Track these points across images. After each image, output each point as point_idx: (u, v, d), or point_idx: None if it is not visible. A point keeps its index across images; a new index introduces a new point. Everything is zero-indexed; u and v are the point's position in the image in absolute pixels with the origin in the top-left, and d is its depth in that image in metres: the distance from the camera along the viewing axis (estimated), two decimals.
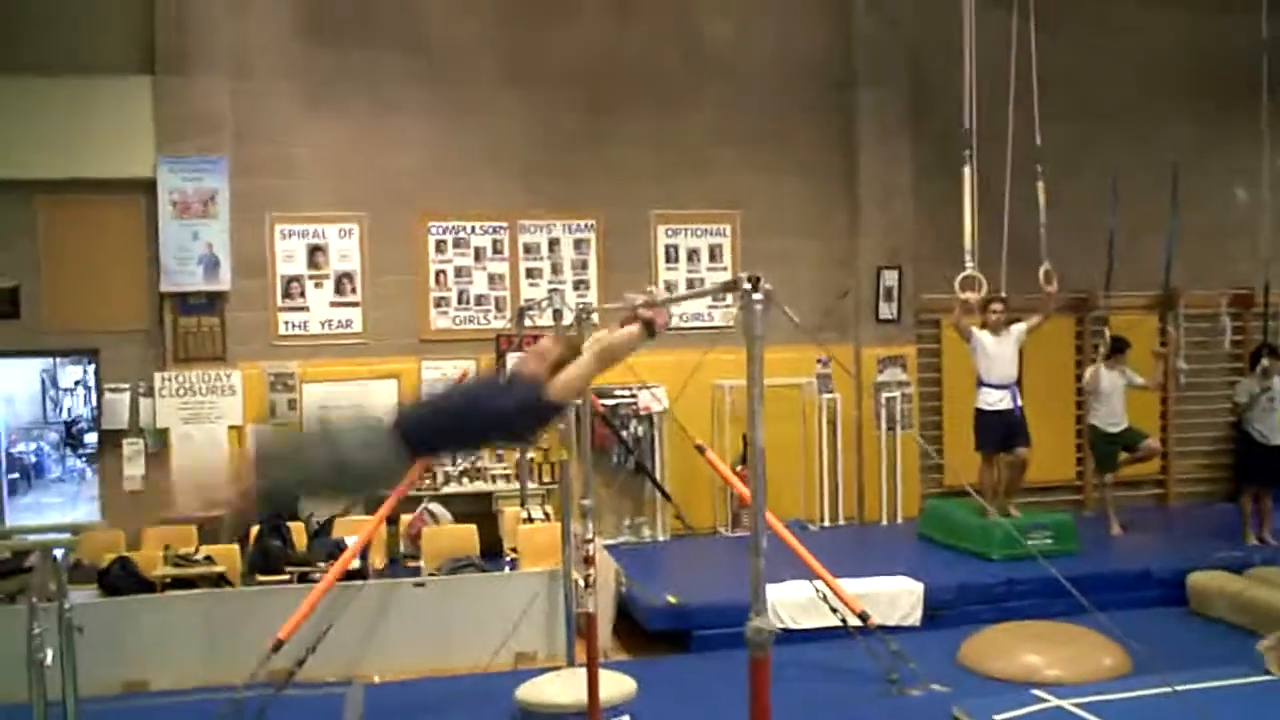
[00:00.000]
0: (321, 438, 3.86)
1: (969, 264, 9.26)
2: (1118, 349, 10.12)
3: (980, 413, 9.48)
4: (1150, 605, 8.15)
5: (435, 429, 3.78)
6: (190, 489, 4.03)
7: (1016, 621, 7.47)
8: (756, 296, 3.04)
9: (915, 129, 11.28)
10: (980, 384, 9.49)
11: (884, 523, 11.20)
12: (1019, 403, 9.49)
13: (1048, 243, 9.67)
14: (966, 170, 9.30)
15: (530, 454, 9.89)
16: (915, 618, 7.82)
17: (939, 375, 11.62)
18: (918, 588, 7.89)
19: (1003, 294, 9.52)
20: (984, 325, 9.44)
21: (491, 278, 10.93)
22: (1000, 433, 9.39)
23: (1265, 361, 9.65)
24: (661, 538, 10.70)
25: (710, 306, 11.21)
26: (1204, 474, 12.06)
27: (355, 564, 7.42)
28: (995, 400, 9.39)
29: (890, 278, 11.41)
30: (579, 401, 5.49)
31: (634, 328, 3.87)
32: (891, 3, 11.36)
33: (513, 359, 3.88)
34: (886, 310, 11.46)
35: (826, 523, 11.20)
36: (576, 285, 11.04)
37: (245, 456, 3.92)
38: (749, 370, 3.06)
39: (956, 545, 9.34)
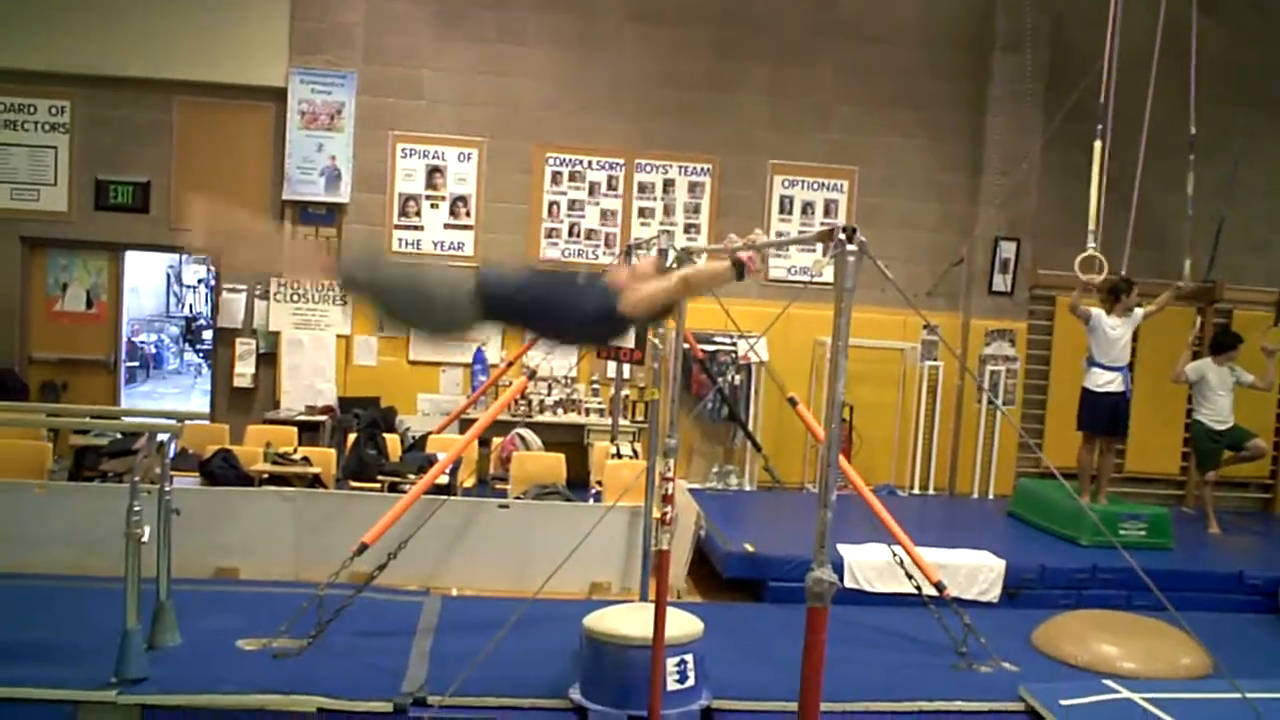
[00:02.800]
0: (407, 265, 3.97)
1: (1091, 245, 8.98)
2: (1226, 345, 9.75)
3: (1088, 393, 9.24)
4: (1240, 610, 7.91)
5: (511, 300, 3.83)
6: (263, 240, 4.08)
7: (1096, 609, 7.32)
8: (850, 248, 2.97)
9: (1050, 99, 10.93)
10: (1091, 363, 9.23)
11: (975, 496, 11.05)
12: (1129, 387, 9.23)
13: (1175, 230, 9.35)
14: (1096, 146, 8.99)
15: (624, 391, 9.96)
16: (993, 594, 7.72)
17: (1048, 354, 11.37)
18: (999, 564, 7.78)
19: (1127, 276, 9.23)
20: (1109, 306, 9.11)
21: (604, 213, 10.97)
22: (1106, 415, 9.14)
23: None
24: (748, 488, 10.73)
25: (820, 262, 11.09)
26: None
27: (444, 479, 7.61)
28: (1105, 381, 9.13)
29: (1008, 249, 11.15)
30: (668, 341, 5.50)
31: (724, 263, 3.84)
32: None
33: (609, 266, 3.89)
34: (1000, 282, 11.22)
35: (917, 490, 11.09)
36: (687, 228, 11.03)
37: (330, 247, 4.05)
38: (836, 323, 3.01)
39: (1046, 527, 9.17)
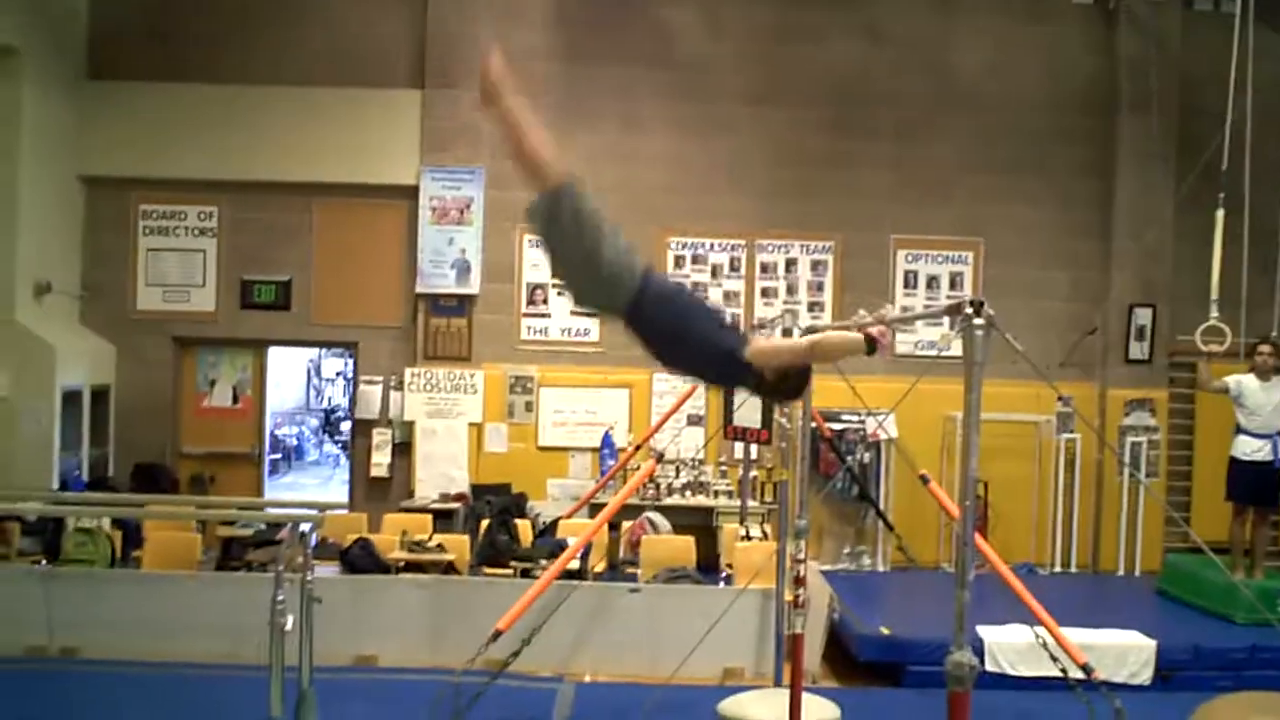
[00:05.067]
0: (603, 220, 3.93)
1: (1214, 314, 8.72)
2: None
3: (1235, 462, 8.88)
4: None
5: (661, 301, 3.85)
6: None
7: (1257, 691, 6.93)
8: (978, 322, 2.95)
9: (1180, 160, 10.68)
10: (1238, 431, 8.89)
11: (1120, 573, 10.63)
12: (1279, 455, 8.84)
13: None
14: (1218, 214, 8.76)
15: (753, 472, 9.92)
16: (1145, 676, 7.39)
17: (1191, 422, 10.96)
18: (1149, 644, 7.46)
19: (1274, 337, 8.92)
20: (1250, 369, 8.84)
21: (727, 294, 11.05)
22: (1255, 486, 8.76)
23: None
24: (881, 568, 10.53)
25: (947, 335, 10.95)
26: None
27: (575, 564, 7.65)
28: (1253, 450, 8.76)
29: (1143, 316, 10.85)
30: (796, 420, 5.48)
31: (855, 335, 3.82)
32: (1160, 26, 10.83)
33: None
34: (1137, 350, 10.90)
35: (1058, 568, 10.72)
36: (811, 306, 11.03)
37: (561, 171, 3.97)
38: (966, 399, 2.98)
39: (1198, 604, 8.77)
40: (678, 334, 3.86)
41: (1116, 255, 10.94)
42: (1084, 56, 11.08)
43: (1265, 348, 8.81)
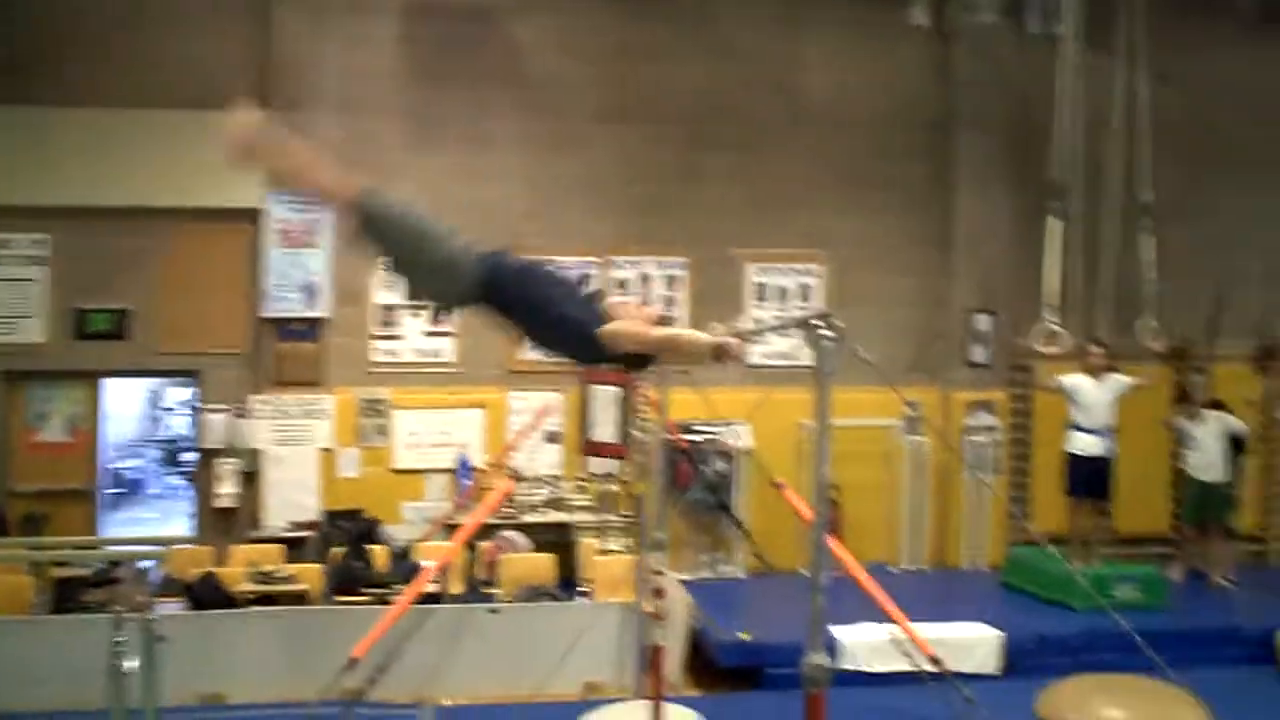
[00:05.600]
0: (420, 215, 3.86)
1: (1049, 318, 9.17)
2: (1183, 398, 9.94)
3: (1070, 457, 9.31)
4: (1237, 664, 7.87)
5: (510, 282, 3.80)
6: (297, 157, 4.00)
7: (1097, 674, 7.24)
8: (826, 334, 3.01)
9: (1016, 172, 11.13)
10: (1072, 427, 9.32)
11: (967, 568, 10.99)
12: (1112, 450, 9.29)
13: (1161, 294, 9.55)
14: (1050, 222, 9.21)
15: (612, 487, 9.94)
16: (993, 666, 7.66)
17: (1029, 421, 11.39)
18: (995, 635, 7.74)
19: (1102, 338, 9.38)
20: (1083, 369, 9.27)
21: None
22: (1089, 479, 9.20)
23: None
24: (740, 575, 10.65)
25: (798, 346, 11.18)
26: None
27: (432, 587, 7.54)
28: (1087, 445, 9.21)
29: (983, 321, 11.25)
30: (652, 434, 5.51)
31: (708, 342, 3.83)
32: (994, 45, 11.28)
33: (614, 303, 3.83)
34: (978, 354, 11.30)
35: (909, 566, 11.02)
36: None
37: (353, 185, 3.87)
38: (817, 409, 3.04)
39: (1040, 594, 9.14)
40: (532, 311, 3.82)
41: (957, 264, 11.33)
42: (923, 76, 11.45)
43: (1096, 348, 9.28)
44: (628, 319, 3.84)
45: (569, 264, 10.90)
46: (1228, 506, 9.96)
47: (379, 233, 3.81)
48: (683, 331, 3.97)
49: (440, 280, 3.85)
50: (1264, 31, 10.93)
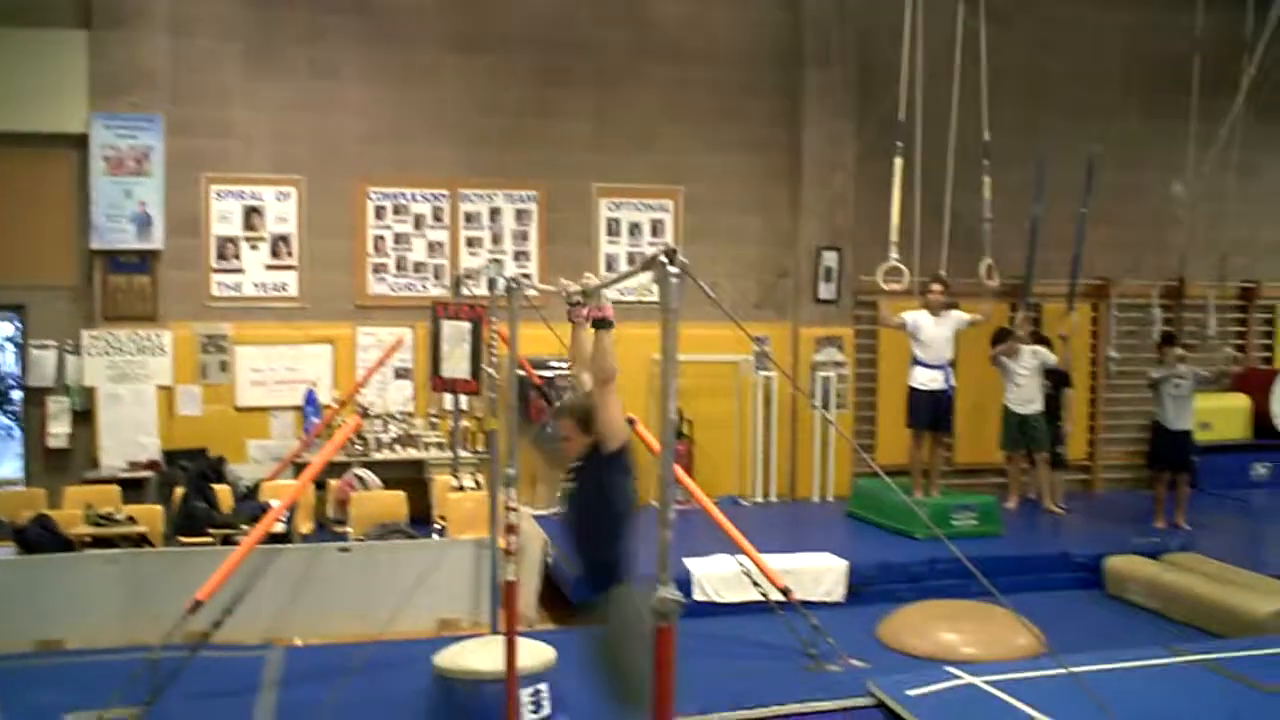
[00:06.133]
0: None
1: (893, 256, 9.42)
2: (1000, 337, 10.38)
3: (912, 391, 9.61)
4: (1068, 588, 8.32)
5: None
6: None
7: (935, 600, 7.57)
8: (672, 270, 3.00)
9: (861, 112, 11.33)
10: (914, 362, 9.62)
11: (815, 500, 11.30)
12: (951, 384, 9.62)
13: (990, 232, 9.87)
14: (896, 162, 9.42)
15: (463, 422, 9.84)
16: (838, 594, 7.91)
17: (875, 357, 11.72)
18: (841, 565, 7.98)
19: (943, 275, 9.67)
20: (924, 305, 9.56)
21: (431, 245, 10.86)
22: (930, 412, 9.52)
23: (1176, 350, 9.84)
24: None
25: (644, 286, 11.19)
26: (1130, 461, 12.26)
27: (280, 527, 7.38)
28: (928, 379, 9.51)
29: (830, 258, 11.47)
30: (504, 369, 5.46)
31: (597, 334, 4.07)
32: None
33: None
34: (826, 290, 11.52)
35: (760, 499, 11.27)
36: (517, 256, 11.00)
37: None
38: (663, 344, 3.03)
39: (884, 524, 9.47)
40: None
41: (805, 202, 11.49)
42: (773, 12, 11.49)
43: (936, 286, 9.56)
44: (570, 436, 4.38)
45: (418, 195, 10.73)
46: (1046, 438, 10.45)
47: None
48: (591, 359, 4.29)
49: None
50: None
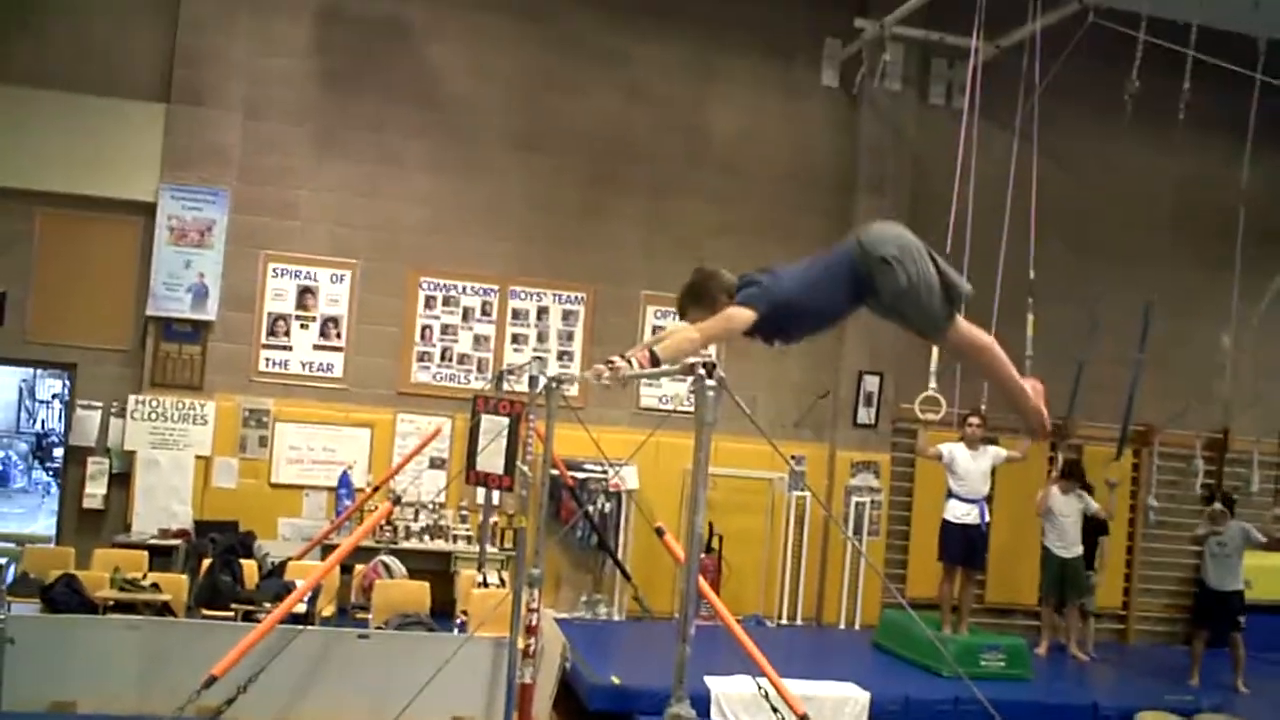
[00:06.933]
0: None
1: (932, 385, 9.39)
2: (1070, 474, 10.21)
3: (945, 524, 9.51)
4: None
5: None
6: None
7: None
8: (709, 383, 3.03)
9: None
10: (949, 495, 9.53)
11: (842, 626, 11.11)
12: (986, 520, 9.51)
13: (1031, 370, 9.80)
14: None
15: (493, 517, 9.83)
16: None
17: (911, 485, 11.63)
18: (864, 696, 7.81)
19: (982, 409, 9.62)
20: (961, 438, 9.50)
21: (477, 338, 10.97)
22: (963, 547, 9.40)
23: (1215, 507, 9.70)
24: (617, 617, 10.61)
25: (679, 397, 11.23)
26: (1167, 614, 12.00)
27: (302, 608, 7.35)
28: (962, 513, 9.41)
29: (871, 383, 11.47)
30: (537, 468, 5.45)
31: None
32: (897, 114, 11.60)
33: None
34: (865, 414, 11.50)
35: (785, 620, 11.11)
36: (560, 355, 11.09)
37: None
38: (696, 455, 3.05)
39: (910, 658, 9.28)
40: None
41: (849, 324, 11.51)
42: (829, 135, 11.71)
43: (974, 419, 9.51)
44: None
45: (468, 288, 10.88)
46: (1085, 584, 10.27)
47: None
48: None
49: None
50: (1147, 127, 11.43)
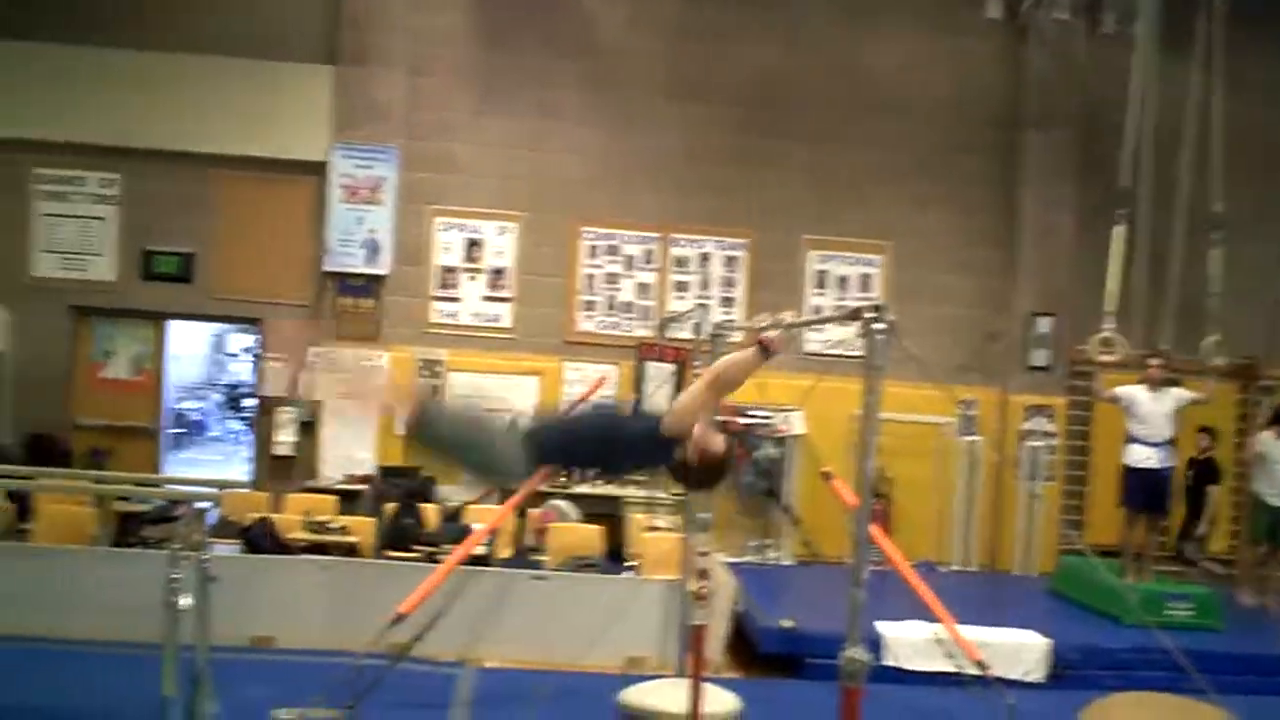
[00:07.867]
0: (471, 418, 4.00)
1: (1107, 325, 8.95)
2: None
3: (1128, 469, 9.15)
4: None
5: (564, 445, 3.88)
6: (366, 384, 4.51)
7: (1144, 691, 7.15)
8: (879, 326, 2.96)
9: (1083, 175, 10.97)
10: (1130, 439, 9.16)
11: (1017, 573, 10.88)
12: (1170, 464, 9.13)
13: (1219, 308, 9.33)
14: (1116, 230, 8.98)
15: None
16: (1038, 674, 7.57)
17: (1088, 429, 11.25)
18: (1043, 643, 7.64)
19: (1164, 349, 9.19)
20: (1141, 380, 9.11)
21: (640, 286, 11.05)
22: (1146, 492, 9.04)
23: None
24: (786, 562, 10.62)
25: (847, 340, 11.08)
26: None
27: (481, 550, 7.59)
28: (1144, 457, 9.03)
29: (1044, 324, 11.11)
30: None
31: (749, 351, 3.77)
32: (1067, 45, 11.08)
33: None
34: (1038, 357, 11.16)
35: (958, 567, 10.94)
36: (724, 302, 11.08)
37: (411, 390, 4.15)
38: (865, 402, 3.00)
39: (1089, 605, 9.02)
40: (597, 453, 3.91)
41: (1020, 264, 11.19)
42: (994, 70, 11.31)
43: (1155, 360, 9.09)
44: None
45: (630, 237, 10.94)
46: None
47: (436, 437, 3.93)
48: (724, 360, 3.91)
49: (497, 470, 4.03)
50: None
